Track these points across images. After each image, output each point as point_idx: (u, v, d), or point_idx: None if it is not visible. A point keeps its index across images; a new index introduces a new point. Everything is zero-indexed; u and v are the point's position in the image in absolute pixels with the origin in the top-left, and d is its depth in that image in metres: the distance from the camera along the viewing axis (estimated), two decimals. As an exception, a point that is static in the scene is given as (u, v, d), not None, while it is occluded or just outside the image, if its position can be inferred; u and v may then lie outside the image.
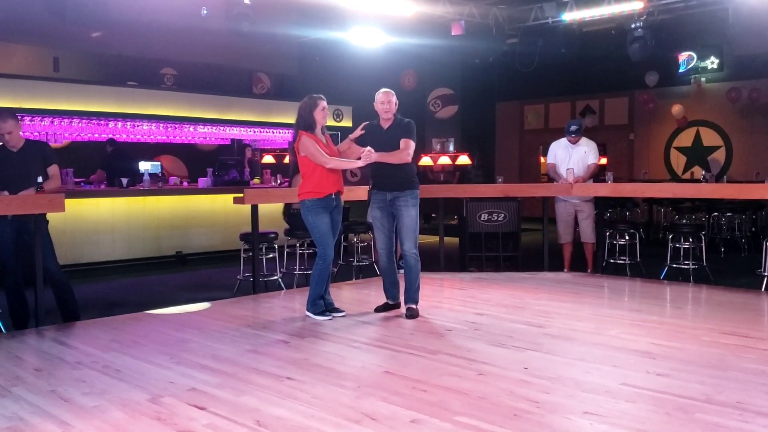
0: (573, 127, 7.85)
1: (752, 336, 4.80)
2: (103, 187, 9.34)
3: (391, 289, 5.76)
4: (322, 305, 5.48)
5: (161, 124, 10.63)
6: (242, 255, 7.22)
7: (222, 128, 11.32)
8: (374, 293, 6.68)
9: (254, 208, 6.56)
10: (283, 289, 7.01)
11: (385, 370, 4.02)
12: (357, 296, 6.70)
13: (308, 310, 5.48)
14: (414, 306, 5.50)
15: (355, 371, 4.00)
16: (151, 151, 11.84)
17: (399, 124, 5.53)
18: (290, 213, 7.58)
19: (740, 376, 3.85)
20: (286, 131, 12.21)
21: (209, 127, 11.12)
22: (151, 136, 10.98)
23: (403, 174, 5.48)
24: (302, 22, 11.57)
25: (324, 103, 5.44)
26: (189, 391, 3.64)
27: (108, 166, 9.77)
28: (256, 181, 11.32)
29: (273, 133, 12.16)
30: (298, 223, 7.44)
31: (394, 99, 5.58)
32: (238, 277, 7.21)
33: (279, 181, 10.65)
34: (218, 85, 11.59)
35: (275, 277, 7.16)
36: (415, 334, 4.89)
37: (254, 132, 11.98)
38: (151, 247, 9.45)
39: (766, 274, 6.84)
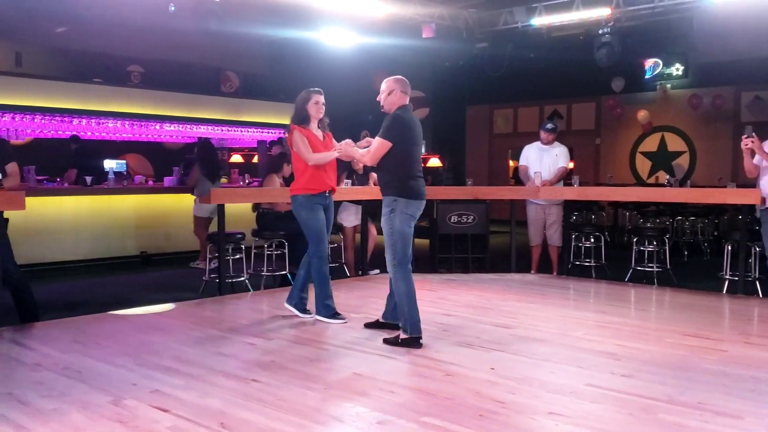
0: (549, 125, 7.96)
1: (713, 338, 4.88)
2: (65, 185, 9.16)
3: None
4: (333, 307, 5.34)
5: (127, 122, 10.47)
6: (208, 255, 7.13)
7: (189, 127, 11.19)
8: (343, 294, 6.66)
9: (221, 208, 6.49)
10: (250, 290, 6.95)
11: (353, 371, 4.00)
12: (325, 297, 6.66)
13: (318, 314, 5.33)
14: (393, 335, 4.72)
15: (323, 373, 3.98)
16: (117, 149, 11.66)
17: (385, 119, 4.87)
18: (259, 213, 7.52)
19: (701, 377, 3.91)
20: (255, 130, 12.12)
21: (176, 125, 10.99)
22: (117, 134, 10.81)
23: (382, 177, 4.88)
24: (272, 21, 11.49)
25: (319, 97, 5.30)
26: (152, 393, 3.58)
27: (73, 164, 9.59)
28: (224, 180, 11.21)
29: (242, 132, 12.06)
30: (266, 224, 7.40)
31: (384, 87, 4.92)
32: (204, 278, 7.12)
33: (247, 181, 10.55)
34: (186, 83, 11.44)
35: (242, 278, 7.09)
36: (385, 335, 4.87)
37: (222, 131, 11.86)
38: (115, 247, 9.29)
39: (727, 277, 6.97)
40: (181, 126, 11.08)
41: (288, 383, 3.76)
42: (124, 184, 9.41)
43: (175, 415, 3.25)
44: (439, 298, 6.35)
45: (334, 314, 5.32)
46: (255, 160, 13.61)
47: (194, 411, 3.31)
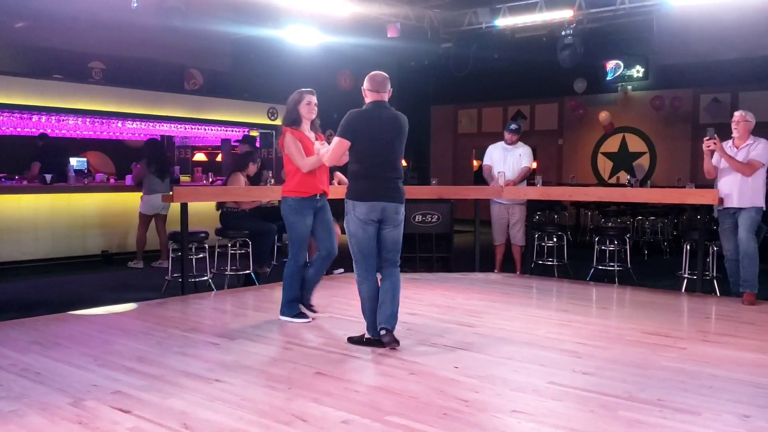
0: (513, 126, 8.05)
1: (673, 335, 4.99)
2: (24, 183, 8.96)
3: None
4: (297, 307, 5.30)
5: (88, 119, 10.28)
6: (171, 255, 7.05)
7: (152, 124, 11.03)
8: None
9: (184, 207, 6.41)
10: (213, 290, 6.88)
11: (317, 371, 4.00)
12: (289, 297, 6.63)
13: (282, 314, 5.29)
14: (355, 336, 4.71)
15: (287, 373, 3.96)
16: (77, 146, 11.44)
17: None
18: (223, 212, 7.45)
19: (661, 374, 3.99)
20: (219, 128, 12.00)
21: (138, 122, 10.82)
22: (78, 131, 10.61)
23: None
24: (236, 19, 11.39)
25: (311, 98, 5.20)
26: (113, 394, 3.52)
27: (38, 160, 9.40)
28: (186, 178, 11.09)
29: (205, 130, 11.94)
30: (230, 223, 7.34)
31: (366, 85, 4.66)
32: (167, 277, 7.03)
33: (211, 180, 10.45)
34: (148, 80, 11.27)
35: (205, 278, 7.01)
36: (349, 335, 4.87)
37: (186, 129, 11.73)
38: (76, 246, 9.12)
39: (686, 276, 7.12)
40: (143, 124, 10.92)
41: (252, 383, 3.74)
42: (85, 182, 9.24)
43: (136, 416, 3.21)
44: (404, 297, 6.32)
45: (299, 314, 5.30)
46: (219, 158, 13.48)
47: (156, 412, 3.27)
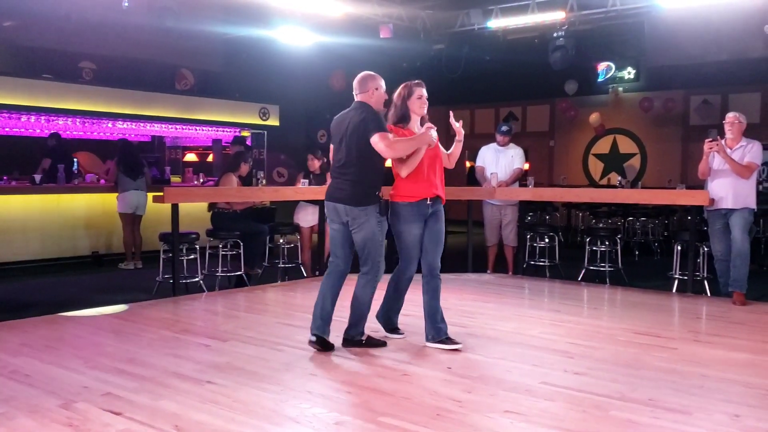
0: (504, 128, 8.06)
1: (664, 336, 5.00)
2: (12, 184, 8.90)
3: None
4: (445, 329, 4.63)
5: (78, 119, 10.22)
6: (162, 256, 7.01)
7: (143, 124, 10.99)
8: (300, 295, 6.64)
9: (175, 208, 6.39)
10: (204, 291, 6.85)
11: (310, 372, 3.98)
12: (283, 299, 6.62)
13: (434, 340, 4.59)
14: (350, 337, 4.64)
15: (279, 374, 3.94)
16: (67, 147, 11.36)
17: None
18: (215, 212, 7.42)
19: (652, 374, 4.01)
20: (210, 129, 11.97)
21: (129, 123, 10.78)
22: (67, 132, 10.54)
23: None
24: (228, 19, 11.36)
25: (422, 91, 4.62)
26: (104, 396, 3.50)
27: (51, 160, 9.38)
28: (177, 179, 11.05)
29: (196, 130, 11.90)
30: (221, 224, 7.31)
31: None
32: (158, 278, 7.00)
33: (202, 180, 10.41)
34: (139, 80, 11.21)
35: (196, 279, 6.99)
36: (341, 335, 4.85)
37: (177, 129, 11.68)
38: (66, 247, 9.07)
39: (677, 276, 7.15)
40: (134, 124, 10.87)
41: (243, 385, 3.72)
42: (75, 182, 9.20)
43: (127, 418, 3.19)
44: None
45: (394, 329, 4.86)
46: (210, 159, 13.44)
47: (147, 414, 3.25)
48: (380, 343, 4.59)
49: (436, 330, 4.58)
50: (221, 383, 3.74)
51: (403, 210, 4.56)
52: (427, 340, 4.63)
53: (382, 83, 4.62)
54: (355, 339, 4.59)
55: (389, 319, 4.90)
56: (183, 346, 4.59)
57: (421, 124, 4.65)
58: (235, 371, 3.98)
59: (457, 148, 4.85)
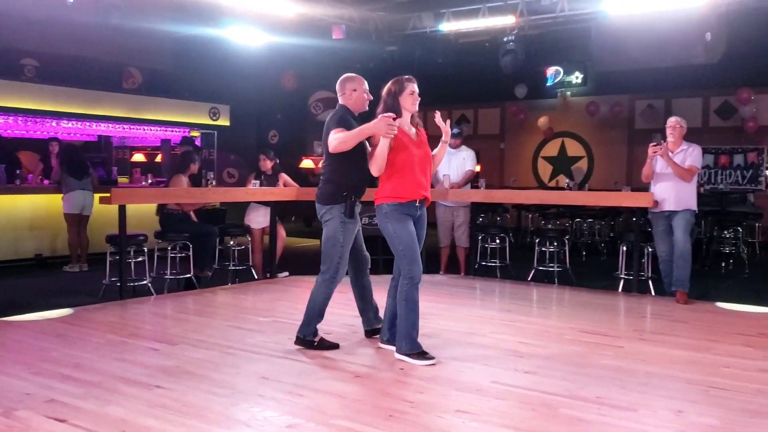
0: (455, 130, 8.11)
1: (610, 334, 5.12)
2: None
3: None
4: (419, 343, 4.30)
5: (20, 118, 9.92)
6: (109, 258, 6.85)
7: (89, 124, 10.74)
8: (251, 298, 6.58)
9: (122, 209, 6.25)
10: (153, 294, 6.72)
11: (261, 375, 3.95)
12: (233, 301, 6.55)
13: (400, 351, 4.31)
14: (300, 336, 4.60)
15: (229, 378, 3.90)
16: (8, 146, 11.02)
17: None
18: (163, 213, 7.30)
19: (599, 372, 4.09)
20: (159, 128, 11.76)
21: (74, 122, 10.51)
22: (9, 131, 10.23)
23: None
24: (177, 17, 11.18)
25: (414, 86, 4.39)
26: (47, 402, 3.40)
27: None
28: (124, 180, 10.82)
29: (144, 130, 11.69)
30: (170, 225, 7.19)
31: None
32: (104, 281, 6.83)
33: (150, 181, 10.22)
34: (85, 79, 10.94)
35: (144, 282, 6.85)
36: (293, 338, 4.83)
37: (124, 129, 11.45)
38: (7, 250, 8.78)
39: (622, 276, 7.33)
40: (79, 123, 10.61)
41: (193, 389, 3.67)
42: (16, 183, 8.93)
43: (72, 425, 3.11)
44: (350, 300, 6.31)
45: (422, 353, 4.29)
46: (159, 159, 13.21)
47: (93, 420, 3.17)
48: (332, 346, 4.57)
49: (392, 334, 4.50)
50: (170, 387, 3.67)
51: (392, 210, 4.36)
52: (382, 341, 4.62)
53: (362, 85, 4.60)
54: (306, 339, 4.56)
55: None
56: (131, 350, 4.49)
57: (411, 122, 4.47)
58: (184, 375, 3.92)
59: (442, 149, 4.71)
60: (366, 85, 4.63)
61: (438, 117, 4.64)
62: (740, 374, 4.07)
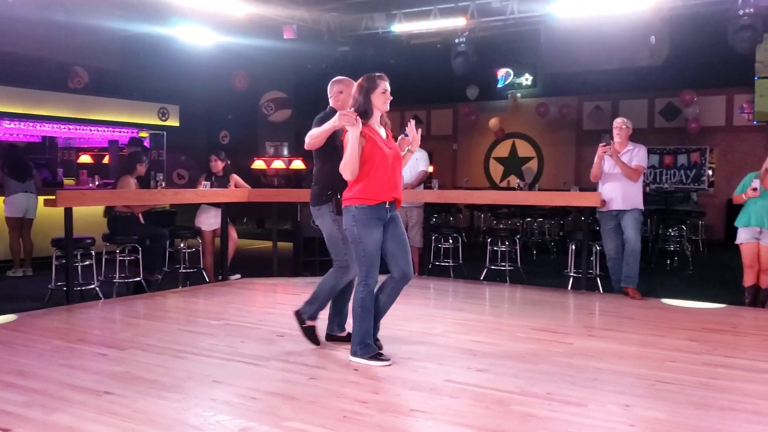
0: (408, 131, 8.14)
1: (560, 331, 5.21)
2: None
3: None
4: (373, 347, 4.28)
5: (-41, 118, 9.61)
6: (54, 262, 6.68)
7: (33, 124, 10.45)
8: (202, 301, 6.49)
9: (68, 212, 6.10)
10: (101, 298, 6.57)
11: (213, 379, 3.90)
12: (184, 305, 6.44)
13: (355, 355, 4.24)
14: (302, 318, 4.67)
15: (181, 382, 3.84)
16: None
17: None
18: (111, 216, 7.14)
19: (550, 368, 4.16)
20: (106, 129, 11.52)
21: (17, 122, 10.22)
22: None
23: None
24: (124, 15, 10.96)
25: (386, 85, 4.26)
26: (-10, 412, 3.29)
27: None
28: (70, 182, 10.56)
29: (91, 130, 11.43)
30: (119, 228, 7.04)
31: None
32: (50, 286, 6.65)
33: (97, 183, 9.99)
34: (29, 78, 10.62)
35: (92, 286, 6.69)
36: (246, 341, 4.79)
37: (69, 129, 11.17)
38: (-54, 254, 8.48)
39: (572, 274, 7.47)
40: (23, 124, 10.32)
41: (144, 394, 3.60)
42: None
43: (17, 435, 3.02)
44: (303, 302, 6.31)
45: (377, 355, 4.27)
46: (106, 160, 12.92)
47: (39, 428, 3.09)
48: (314, 341, 4.63)
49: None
50: (120, 393, 3.60)
51: (360, 213, 4.16)
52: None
53: (348, 87, 4.50)
54: (302, 316, 4.65)
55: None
56: (78, 356, 4.38)
57: (381, 123, 4.33)
58: (134, 380, 3.84)
59: (407, 156, 4.56)
60: (352, 87, 4.43)
61: (413, 125, 4.57)
62: (685, 368, 4.20)
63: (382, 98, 4.24)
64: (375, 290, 4.28)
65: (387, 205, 4.22)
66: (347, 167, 4.14)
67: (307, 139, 4.42)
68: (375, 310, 4.31)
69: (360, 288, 4.25)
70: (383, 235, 4.24)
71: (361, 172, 4.16)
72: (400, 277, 4.31)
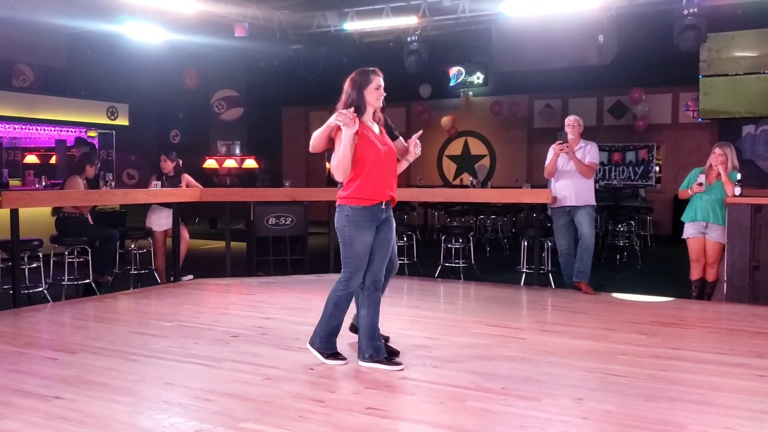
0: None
1: (514, 327, 5.29)
2: None
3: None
4: (335, 345, 4.22)
5: None
6: (0, 265, 6.48)
7: (-26, 124, 10.11)
8: (154, 302, 6.39)
9: (14, 213, 5.93)
10: (49, 301, 6.41)
11: (166, 381, 3.84)
12: (135, 307, 6.33)
13: (313, 345, 4.21)
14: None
15: (133, 385, 3.77)
16: None
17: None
18: (59, 217, 6.97)
19: (504, 364, 4.23)
20: (53, 128, 11.23)
21: (-42, 122, 9.88)
22: None
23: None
24: (70, 12, 10.66)
25: (380, 80, 4.10)
26: (-68, 421, 3.19)
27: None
28: (16, 182, 10.24)
29: (37, 130, 11.12)
30: (67, 229, 6.88)
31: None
32: (-5, 289, 6.47)
33: (44, 183, 9.71)
34: (-30, 76, 10.32)
35: (40, 289, 6.52)
36: (199, 342, 4.73)
37: (14, 129, 10.85)
38: None
39: (524, 270, 7.58)
40: (-37, 123, 9.98)
41: (95, 398, 3.53)
42: None
43: (-39, 444, 2.93)
44: (258, 302, 6.28)
45: (334, 354, 4.23)
46: (53, 160, 12.59)
47: (-15, 437, 3.00)
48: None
49: (375, 348, 4.13)
50: (70, 398, 3.52)
51: (354, 214, 4.03)
52: (363, 359, 4.14)
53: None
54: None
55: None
56: (26, 360, 4.27)
57: (374, 118, 4.16)
58: (85, 384, 3.76)
59: (401, 165, 4.42)
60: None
61: (414, 138, 4.41)
62: (635, 361, 4.31)
63: (375, 94, 4.09)
64: (353, 292, 4.20)
65: (383, 206, 4.12)
66: (339, 167, 3.99)
67: (311, 142, 4.21)
68: (365, 326, 4.19)
69: (340, 287, 4.16)
70: (374, 237, 4.11)
71: (356, 170, 4.02)
72: (369, 284, 4.19)
